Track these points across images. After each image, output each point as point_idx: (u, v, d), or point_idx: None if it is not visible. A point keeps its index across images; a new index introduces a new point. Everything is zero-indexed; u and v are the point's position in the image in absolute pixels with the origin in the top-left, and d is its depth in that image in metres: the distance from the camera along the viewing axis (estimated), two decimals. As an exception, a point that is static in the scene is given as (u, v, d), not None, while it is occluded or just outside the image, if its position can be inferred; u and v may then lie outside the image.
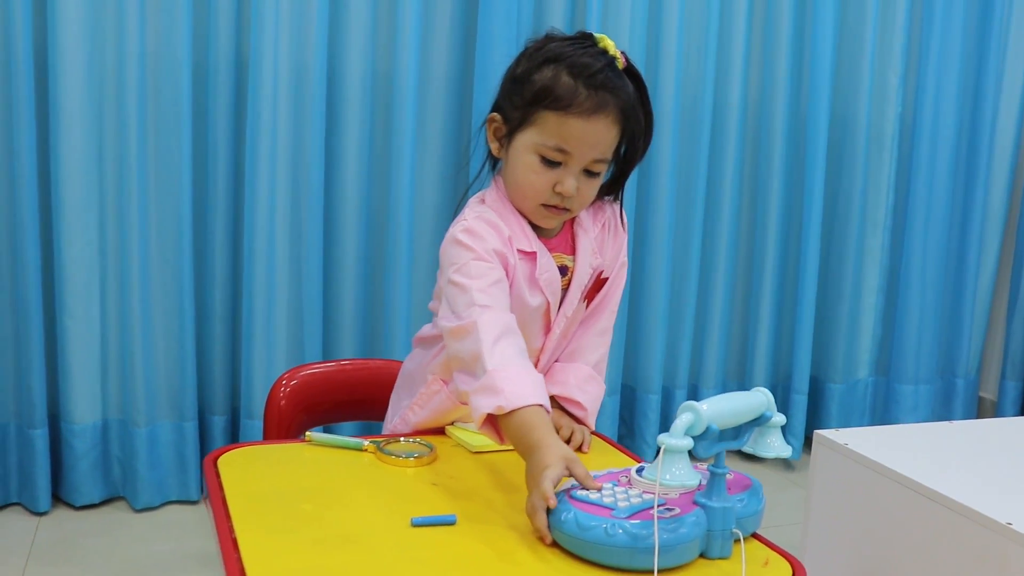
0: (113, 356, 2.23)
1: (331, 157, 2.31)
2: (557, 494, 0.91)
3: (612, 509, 0.87)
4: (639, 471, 0.94)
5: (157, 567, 2.01)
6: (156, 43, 2.13)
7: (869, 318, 2.87)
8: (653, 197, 2.60)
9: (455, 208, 1.26)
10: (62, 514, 2.21)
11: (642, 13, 2.47)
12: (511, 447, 1.15)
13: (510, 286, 1.15)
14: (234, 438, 2.36)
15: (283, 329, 2.29)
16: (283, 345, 2.29)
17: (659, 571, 0.84)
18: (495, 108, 1.20)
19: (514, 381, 1.02)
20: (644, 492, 0.91)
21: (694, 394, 2.77)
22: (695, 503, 0.90)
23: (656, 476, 0.87)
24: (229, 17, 2.19)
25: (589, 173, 1.16)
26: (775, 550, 0.94)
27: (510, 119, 1.17)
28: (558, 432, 1.13)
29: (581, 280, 1.23)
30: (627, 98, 1.14)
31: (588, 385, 1.26)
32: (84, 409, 2.19)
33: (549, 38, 1.17)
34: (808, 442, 1.79)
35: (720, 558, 0.90)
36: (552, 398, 1.20)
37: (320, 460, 1.13)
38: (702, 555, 0.90)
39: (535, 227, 1.20)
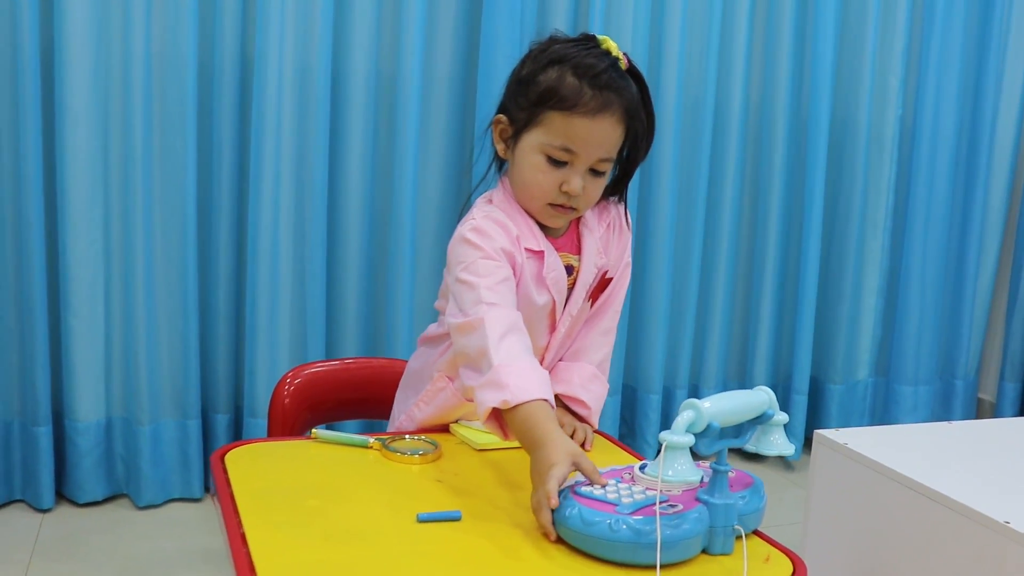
0: (117, 354, 2.24)
1: (335, 157, 2.32)
2: (561, 491, 0.92)
3: (616, 505, 0.89)
4: (642, 468, 0.95)
5: (160, 564, 2.02)
6: (161, 43, 2.14)
7: (869, 319, 2.88)
8: (654, 197, 2.61)
9: (459, 208, 1.27)
10: (66, 511, 2.22)
11: (644, 15, 2.48)
12: (515, 445, 1.16)
13: (517, 285, 1.16)
14: (237, 436, 2.37)
15: (286, 328, 2.30)
16: (286, 344, 2.30)
17: (662, 566, 0.85)
18: (501, 110, 1.21)
19: (519, 376, 1.03)
20: (647, 488, 0.92)
21: (695, 394, 2.78)
22: (697, 500, 0.91)
23: (659, 473, 0.88)
24: (234, 17, 2.20)
25: (595, 172, 1.17)
26: (776, 547, 0.95)
27: (516, 120, 1.18)
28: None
29: (586, 279, 1.24)
30: (631, 98, 1.15)
31: (592, 384, 1.27)
32: (88, 407, 2.20)
33: (553, 40, 1.18)
34: (808, 442, 1.80)
35: (722, 554, 0.91)
36: (556, 396, 1.21)
37: (326, 457, 1.14)
38: (704, 551, 0.91)
39: (542, 227, 1.22)
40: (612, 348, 1.32)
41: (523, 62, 1.19)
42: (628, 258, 1.31)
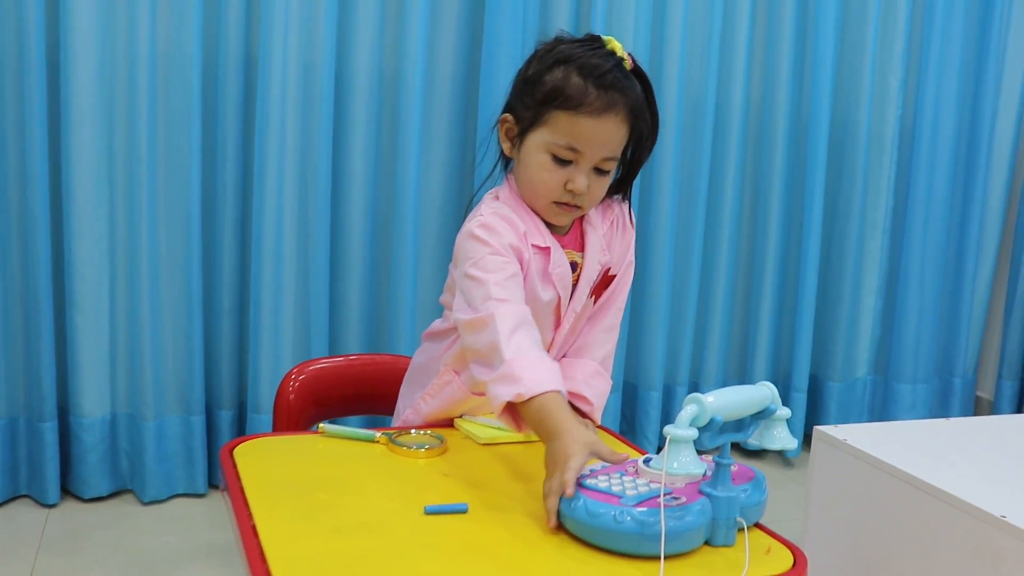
0: (122, 351, 2.26)
1: (338, 155, 2.33)
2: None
3: (620, 497, 0.90)
4: (646, 461, 0.97)
5: (165, 559, 2.03)
6: (167, 42, 2.15)
7: (868, 318, 2.90)
8: (655, 197, 2.62)
9: (464, 206, 1.28)
10: (71, 506, 2.24)
11: (646, 15, 2.50)
12: (519, 438, 1.17)
13: (524, 280, 1.17)
14: (241, 432, 2.38)
15: (290, 324, 2.31)
16: (290, 340, 2.32)
17: (665, 557, 0.86)
18: (507, 109, 1.23)
19: (532, 369, 1.04)
20: (651, 481, 0.94)
21: (695, 391, 2.78)
22: (700, 492, 0.93)
23: (662, 465, 0.90)
24: (239, 16, 2.21)
25: (599, 171, 1.19)
26: (777, 539, 0.96)
27: (522, 119, 1.20)
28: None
29: (589, 276, 1.26)
30: (635, 97, 1.17)
31: (594, 380, 1.28)
32: (93, 403, 2.21)
33: (559, 40, 1.20)
34: (807, 439, 1.81)
35: (724, 546, 0.92)
36: (559, 393, 1.23)
37: (333, 451, 1.16)
38: (707, 543, 0.92)
39: (546, 224, 1.23)
40: (615, 345, 1.34)
41: (529, 62, 1.21)
42: (631, 256, 1.32)
